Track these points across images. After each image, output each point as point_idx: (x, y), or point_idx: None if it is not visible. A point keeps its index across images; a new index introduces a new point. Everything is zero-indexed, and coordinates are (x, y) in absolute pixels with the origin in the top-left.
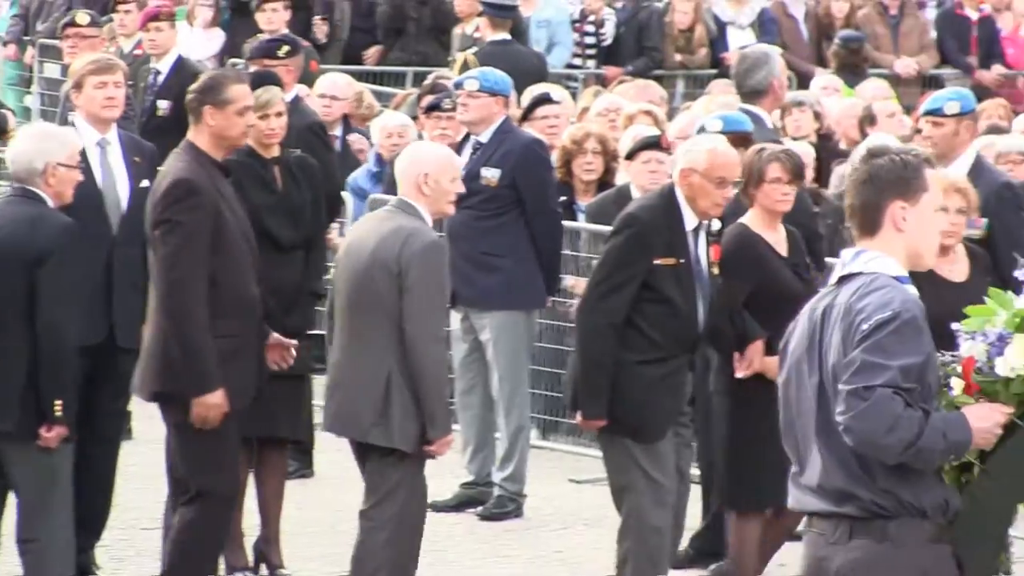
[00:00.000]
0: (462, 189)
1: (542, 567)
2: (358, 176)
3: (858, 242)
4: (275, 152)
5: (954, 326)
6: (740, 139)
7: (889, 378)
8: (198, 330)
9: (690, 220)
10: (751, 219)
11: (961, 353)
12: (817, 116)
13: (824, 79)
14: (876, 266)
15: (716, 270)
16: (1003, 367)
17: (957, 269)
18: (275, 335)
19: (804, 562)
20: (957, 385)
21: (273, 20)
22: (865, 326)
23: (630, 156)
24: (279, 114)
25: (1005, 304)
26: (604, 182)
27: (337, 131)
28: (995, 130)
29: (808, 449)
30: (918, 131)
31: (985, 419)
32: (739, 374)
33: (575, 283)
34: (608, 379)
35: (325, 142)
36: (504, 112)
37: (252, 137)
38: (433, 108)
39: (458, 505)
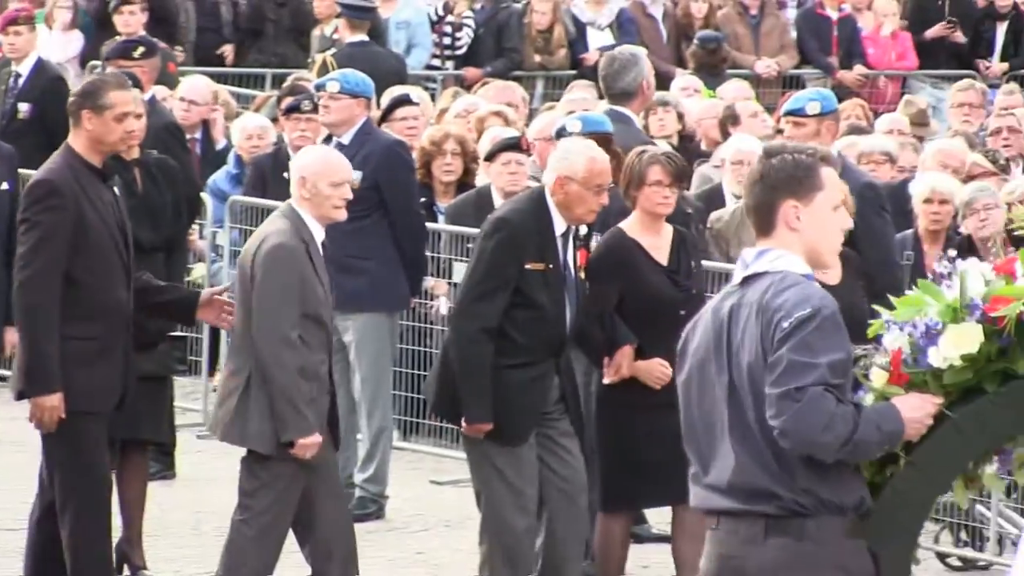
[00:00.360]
0: (348, 194)
1: (403, 568)
2: (218, 178)
3: (757, 242)
4: (135, 154)
5: (885, 316)
6: (601, 140)
7: (818, 376)
8: (43, 330)
9: (559, 225)
10: (630, 223)
11: (886, 345)
12: (680, 117)
13: (684, 80)
14: (782, 264)
15: (583, 275)
16: (936, 358)
17: (830, 273)
18: (207, 292)
19: (711, 562)
20: (878, 376)
21: (130, 23)
22: (786, 324)
23: (489, 158)
24: (138, 116)
25: (936, 296)
26: (464, 183)
27: (197, 134)
28: (855, 130)
29: (714, 448)
30: (779, 131)
31: (917, 409)
32: (607, 380)
33: (435, 284)
34: (488, 383)
35: (182, 143)
36: (366, 114)
37: None
38: (293, 110)
39: None
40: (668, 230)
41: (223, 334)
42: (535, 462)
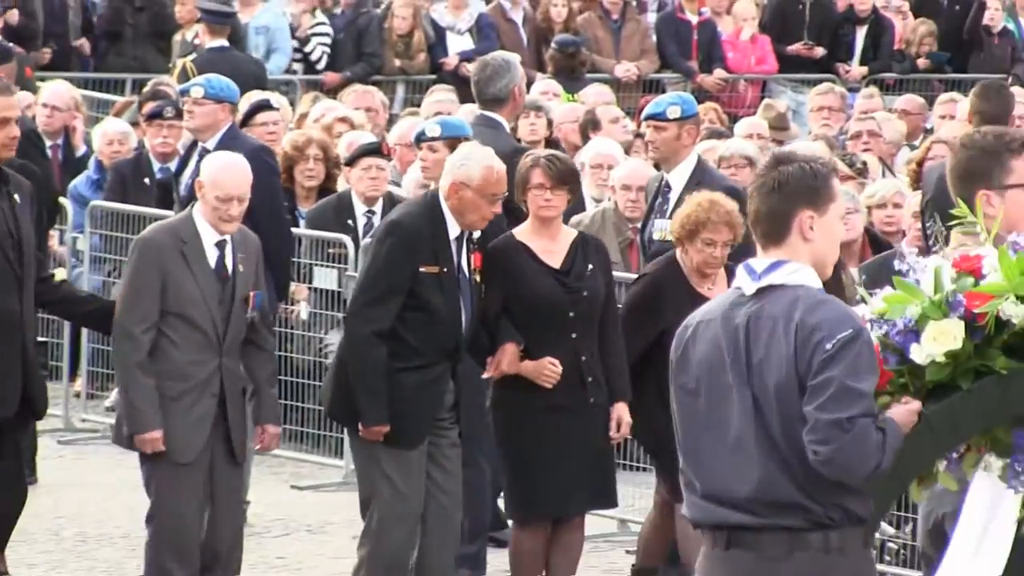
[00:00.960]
0: (233, 211)
1: (265, 573)
2: (78, 183)
3: (764, 251)
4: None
5: (868, 317)
6: (460, 142)
7: (866, 407)
8: None
9: (453, 228)
10: (523, 227)
11: None
12: (549, 122)
13: (543, 84)
14: (799, 278)
15: (478, 277)
16: (918, 354)
17: (716, 289)
18: None
19: None
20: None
21: None
22: (829, 345)
23: (350, 163)
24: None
25: (916, 294)
26: (325, 188)
27: (59, 140)
28: (714, 134)
29: (724, 461)
30: (639, 135)
31: (907, 422)
32: (485, 375)
33: (296, 289)
34: (384, 385)
35: (41, 148)
36: (230, 119)
37: None
38: (156, 116)
39: None
40: (567, 234)
41: (84, 339)
42: (423, 470)
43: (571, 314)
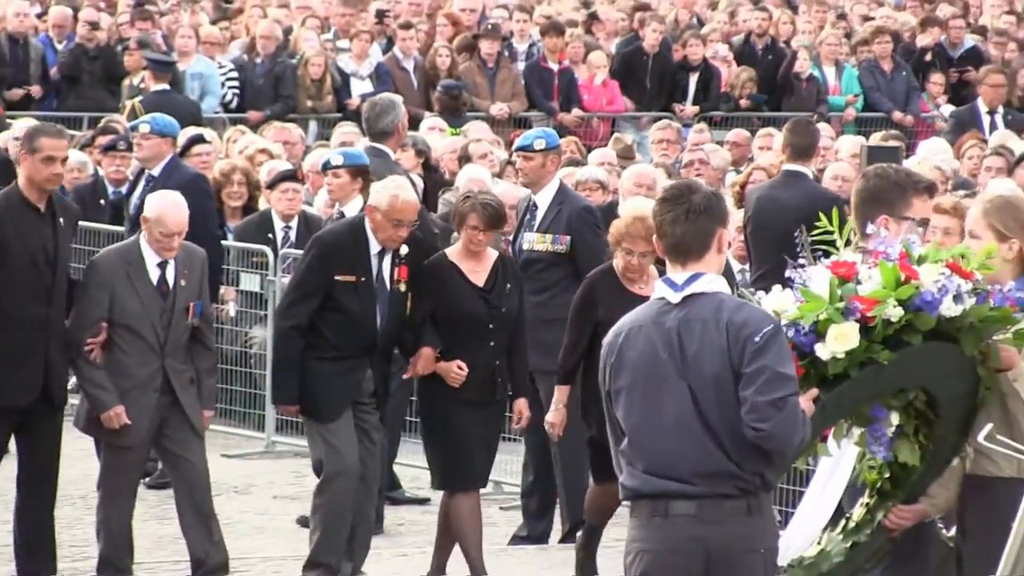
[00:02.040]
0: (175, 244)
1: None
2: None
3: (686, 265)
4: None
5: (784, 319)
6: (359, 170)
7: (793, 387)
8: None
9: (375, 244)
10: (454, 248)
11: None
12: (421, 152)
13: (431, 120)
14: (716, 287)
15: (403, 287)
16: (823, 352)
17: (648, 287)
18: None
19: (661, 543)
20: None
21: None
22: (757, 338)
23: (270, 186)
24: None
25: (818, 301)
26: (248, 207)
27: None
28: (572, 163)
29: (668, 443)
30: (511, 163)
31: (808, 407)
32: (405, 376)
33: (225, 291)
34: (295, 371)
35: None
36: (172, 151)
37: None
38: (110, 148)
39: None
40: (491, 256)
41: None
42: (353, 435)
43: (490, 326)
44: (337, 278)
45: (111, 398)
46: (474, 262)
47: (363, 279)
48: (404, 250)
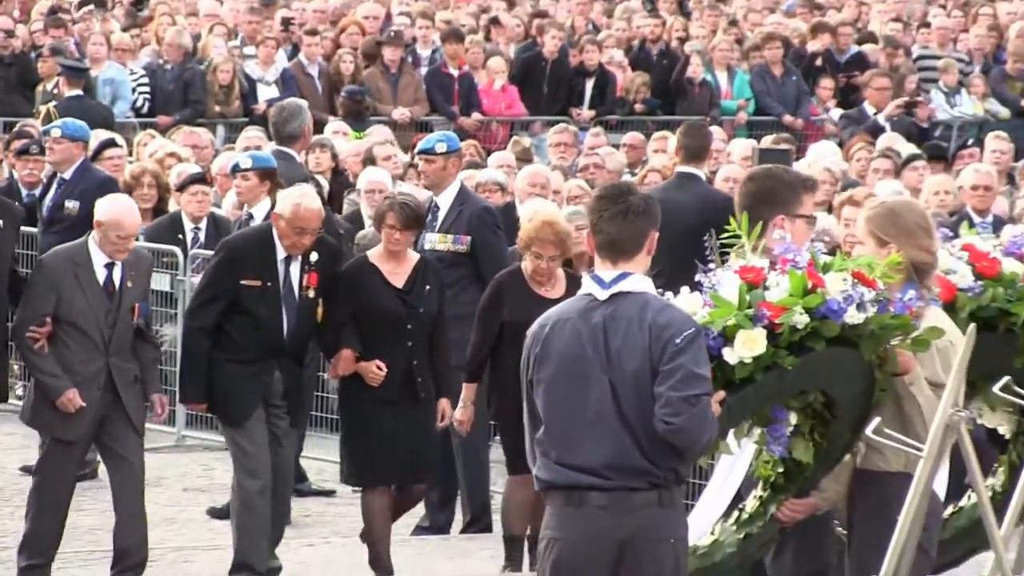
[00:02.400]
0: (129, 246)
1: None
2: None
3: (613, 264)
4: None
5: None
6: (267, 173)
7: (707, 388)
8: None
9: (281, 250)
10: (375, 250)
11: None
12: (333, 156)
13: (335, 124)
14: (643, 287)
15: (312, 293)
16: (731, 356)
17: (555, 290)
18: None
19: (574, 533)
20: None
21: None
22: (679, 340)
23: (180, 188)
24: None
25: (728, 307)
26: (159, 209)
27: None
28: (472, 165)
29: (582, 435)
30: (413, 166)
31: (715, 409)
32: (328, 376)
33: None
34: (203, 371)
35: None
36: (84, 154)
37: None
38: (23, 152)
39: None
40: (411, 258)
41: None
42: (264, 436)
43: (409, 326)
44: (243, 282)
45: (63, 383)
46: (394, 264)
47: (269, 284)
48: (314, 257)
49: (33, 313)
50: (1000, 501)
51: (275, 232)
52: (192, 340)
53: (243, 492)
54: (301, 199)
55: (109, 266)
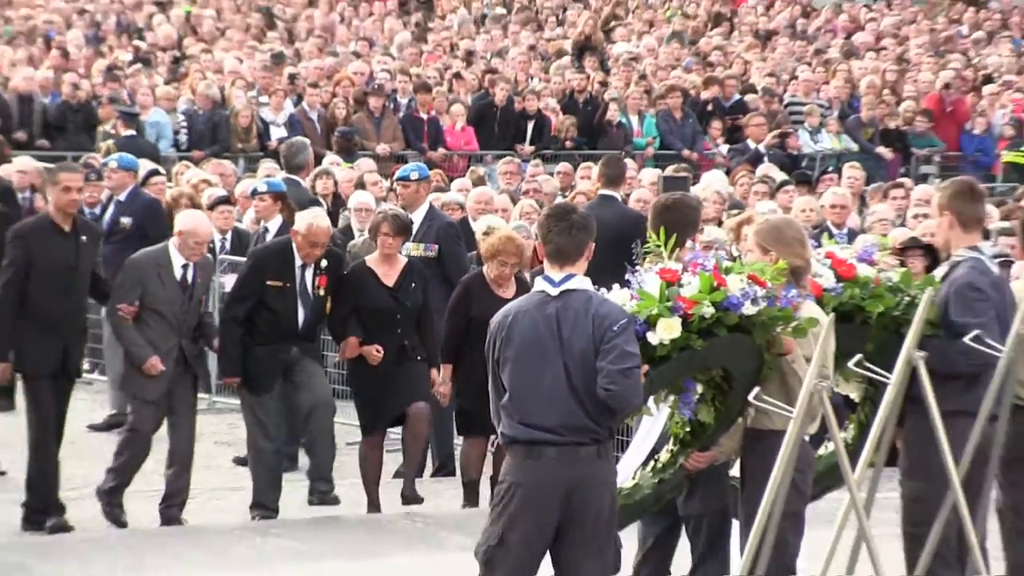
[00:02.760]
0: (204, 250)
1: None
2: None
3: (560, 268)
4: None
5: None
6: (279, 195)
7: (637, 363)
8: None
9: (299, 259)
10: (371, 257)
11: None
12: (335, 183)
13: (331, 157)
14: (585, 285)
15: (322, 292)
16: (653, 338)
17: (509, 291)
18: None
19: (533, 477)
20: None
21: None
22: (615, 327)
23: (210, 208)
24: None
25: (651, 300)
26: None
27: (27, 193)
28: (439, 189)
29: (540, 402)
30: (392, 190)
31: (641, 381)
32: (338, 358)
33: None
34: (236, 351)
35: (15, 198)
36: (134, 181)
37: None
38: (86, 179)
39: None
40: (401, 261)
41: None
42: (275, 408)
43: (398, 316)
44: (268, 283)
45: (148, 352)
46: (387, 267)
47: (288, 285)
48: (324, 263)
49: (122, 300)
50: (851, 450)
51: (293, 244)
52: (227, 328)
53: (259, 451)
54: (314, 220)
55: (185, 266)
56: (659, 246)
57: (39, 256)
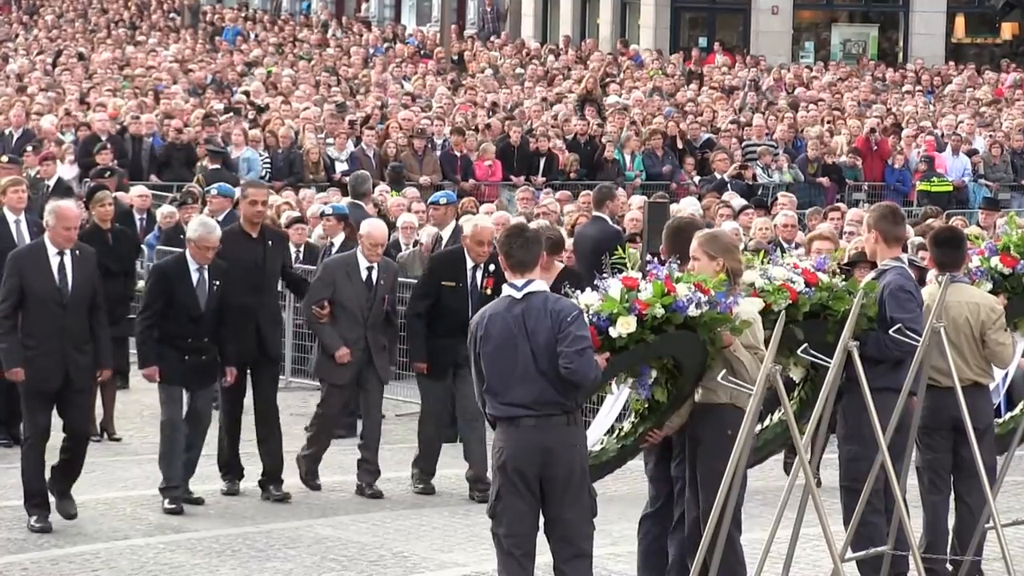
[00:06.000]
0: (380, 251)
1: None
2: (150, 238)
3: (521, 275)
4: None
5: (590, 307)
6: (342, 217)
7: (589, 344)
8: None
9: (470, 261)
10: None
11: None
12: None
13: (382, 186)
14: (541, 287)
15: (489, 291)
16: (614, 332)
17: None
18: None
19: (515, 443)
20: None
21: (103, 160)
22: (569, 318)
23: (288, 226)
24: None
25: (612, 301)
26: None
27: (142, 215)
28: (469, 212)
29: (514, 384)
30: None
31: (602, 363)
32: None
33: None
34: (422, 343)
35: (132, 219)
36: (230, 205)
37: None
38: (183, 203)
39: None
40: (556, 269)
41: None
42: (444, 394)
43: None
44: (443, 284)
45: (338, 342)
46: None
47: (460, 285)
48: (492, 267)
49: (316, 297)
50: (796, 420)
51: (465, 250)
52: (412, 321)
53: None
54: (371, 227)
55: (369, 268)
56: (622, 258)
57: (231, 260)
